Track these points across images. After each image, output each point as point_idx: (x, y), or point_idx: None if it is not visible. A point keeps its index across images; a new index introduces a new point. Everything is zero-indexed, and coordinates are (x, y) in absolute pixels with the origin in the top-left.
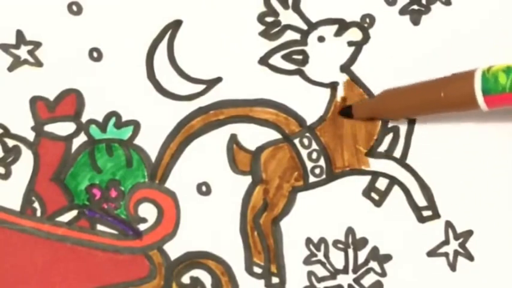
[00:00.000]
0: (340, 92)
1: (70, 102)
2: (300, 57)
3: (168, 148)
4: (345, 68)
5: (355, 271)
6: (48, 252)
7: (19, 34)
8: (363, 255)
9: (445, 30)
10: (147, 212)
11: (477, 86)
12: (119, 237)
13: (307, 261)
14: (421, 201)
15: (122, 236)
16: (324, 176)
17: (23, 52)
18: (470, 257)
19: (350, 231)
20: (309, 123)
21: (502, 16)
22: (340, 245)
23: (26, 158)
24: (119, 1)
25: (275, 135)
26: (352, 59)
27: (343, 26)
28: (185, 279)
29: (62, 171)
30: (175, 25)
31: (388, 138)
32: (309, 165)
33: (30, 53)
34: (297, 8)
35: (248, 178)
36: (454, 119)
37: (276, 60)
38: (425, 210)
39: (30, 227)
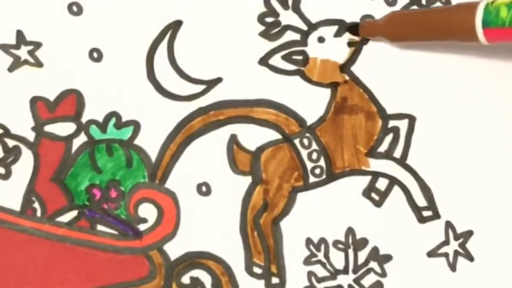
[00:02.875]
0: (340, 92)
1: (70, 103)
2: (300, 57)
3: (168, 148)
4: (345, 68)
5: (355, 271)
6: (48, 252)
7: (19, 34)
8: (363, 255)
9: None
10: (147, 212)
11: (478, 18)
12: (119, 238)
13: (307, 261)
14: (421, 201)
15: (122, 236)
16: (324, 176)
17: (23, 52)
18: (470, 258)
19: (350, 231)
20: (309, 123)
21: None
22: (340, 245)
23: (26, 158)
24: (119, 1)
25: (275, 135)
26: (352, 59)
27: (343, 26)
28: (185, 279)
29: (62, 171)
30: (176, 25)
31: (388, 138)
32: (309, 165)
33: (31, 53)
34: (297, 9)
35: (248, 178)
36: (455, 118)
37: (276, 60)
38: (426, 211)
39: (30, 227)
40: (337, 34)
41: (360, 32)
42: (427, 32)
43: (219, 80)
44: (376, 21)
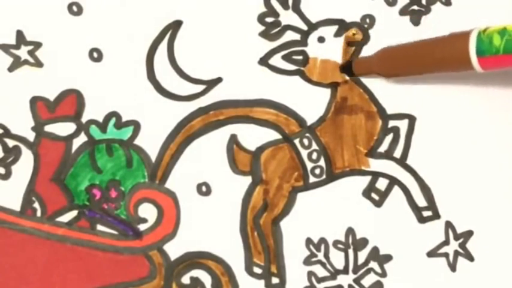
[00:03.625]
0: (340, 92)
1: (70, 103)
2: (300, 57)
3: (168, 148)
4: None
5: (355, 271)
6: (48, 252)
7: (19, 34)
8: (363, 255)
9: (445, 30)
10: (147, 212)
11: (472, 47)
12: (119, 238)
13: (307, 261)
14: (421, 201)
15: (122, 236)
16: (324, 176)
17: (23, 52)
18: (470, 258)
19: (350, 231)
20: (309, 123)
21: (502, 17)
22: (340, 245)
23: (26, 158)
24: (119, 1)
25: (275, 135)
26: (352, 59)
27: (343, 26)
28: (185, 279)
29: (62, 171)
30: (176, 25)
31: (388, 138)
32: (309, 165)
33: (31, 53)
34: (297, 9)
35: (248, 178)
36: (455, 118)
37: (276, 60)
38: (426, 211)
39: (30, 227)
40: (337, 34)
41: (353, 70)
42: (421, 65)
43: (219, 80)
44: (369, 58)
